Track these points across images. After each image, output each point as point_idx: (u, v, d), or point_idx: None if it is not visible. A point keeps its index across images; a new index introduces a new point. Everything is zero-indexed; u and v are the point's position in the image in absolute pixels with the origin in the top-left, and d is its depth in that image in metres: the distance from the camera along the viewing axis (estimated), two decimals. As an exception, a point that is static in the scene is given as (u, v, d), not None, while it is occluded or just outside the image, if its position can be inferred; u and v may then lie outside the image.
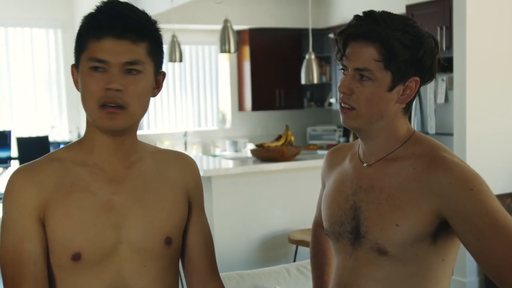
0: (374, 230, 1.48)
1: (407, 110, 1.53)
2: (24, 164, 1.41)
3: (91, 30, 1.31)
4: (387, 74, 1.43)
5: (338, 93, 1.51)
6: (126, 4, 1.35)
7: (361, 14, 1.48)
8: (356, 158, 1.60)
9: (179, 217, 1.47)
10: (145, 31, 1.34)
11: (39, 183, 1.35)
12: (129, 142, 1.42)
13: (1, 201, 1.39)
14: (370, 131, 1.50)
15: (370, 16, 1.45)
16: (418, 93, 1.52)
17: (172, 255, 1.47)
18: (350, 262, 1.56)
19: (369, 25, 1.43)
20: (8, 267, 1.32)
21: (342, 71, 1.51)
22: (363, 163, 1.57)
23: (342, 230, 1.56)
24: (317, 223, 1.87)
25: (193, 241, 1.55)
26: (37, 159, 1.42)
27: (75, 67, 1.37)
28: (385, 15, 1.45)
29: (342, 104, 1.50)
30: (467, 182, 1.38)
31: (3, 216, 1.35)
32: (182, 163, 1.53)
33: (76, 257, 1.33)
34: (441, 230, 1.43)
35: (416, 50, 1.43)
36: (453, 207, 1.38)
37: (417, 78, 1.46)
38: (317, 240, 1.88)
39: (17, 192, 1.34)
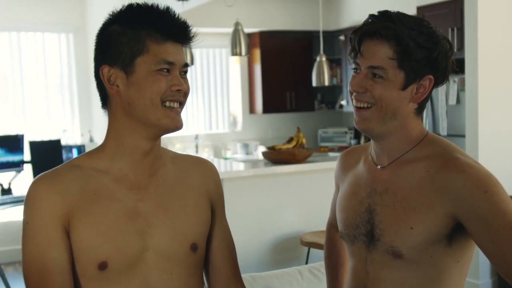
0: (388, 233, 1.48)
1: (420, 111, 1.52)
2: (45, 172, 1.37)
3: (154, 33, 1.31)
4: (400, 73, 1.43)
5: (348, 95, 1.51)
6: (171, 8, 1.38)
7: (376, 13, 1.48)
8: (370, 160, 1.60)
9: (204, 223, 1.48)
10: (191, 36, 1.39)
11: (62, 191, 1.33)
12: (158, 147, 1.43)
13: (23, 210, 1.35)
14: (383, 131, 1.49)
15: (385, 14, 1.46)
16: (431, 93, 1.51)
17: (197, 262, 1.46)
18: (365, 265, 1.55)
19: (384, 22, 1.44)
20: (33, 278, 1.30)
21: (354, 70, 1.50)
22: (377, 165, 1.56)
23: (357, 233, 1.56)
24: (331, 225, 1.87)
25: (217, 247, 1.55)
26: (57, 166, 1.39)
27: (118, 69, 1.33)
28: (400, 14, 1.46)
29: (357, 104, 1.49)
30: (482, 184, 1.37)
31: (25, 226, 1.32)
32: (203, 168, 1.53)
33: (103, 266, 1.31)
34: (456, 232, 1.42)
35: (431, 50, 1.43)
36: (468, 210, 1.37)
37: (431, 77, 1.46)
38: (331, 242, 1.89)
39: (40, 201, 1.31)
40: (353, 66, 1.51)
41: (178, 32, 1.34)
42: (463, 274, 1.51)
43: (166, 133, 1.38)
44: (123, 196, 1.36)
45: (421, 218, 1.43)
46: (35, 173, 5.13)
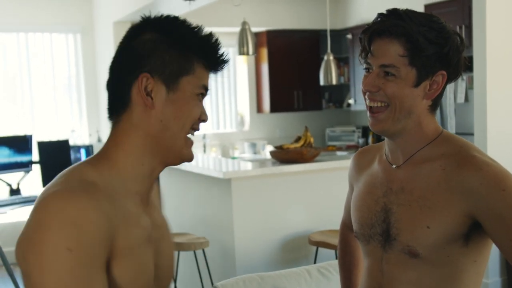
0: (405, 232, 1.47)
1: (435, 108, 1.52)
2: (71, 185, 1.13)
3: (206, 58, 1.27)
4: (412, 70, 1.43)
5: (356, 93, 1.51)
6: None
7: (385, 12, 1.48)
8: (385, 159, 1.59)
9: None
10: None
11: (107, 213, 1.12)
12: None
13: (56, 233, 1.06)
14: (398, 130, 1.49)
15: (394, 12, 1.46)
16: (444, 90, 1.50)
17: None
18: (381, 265, 1.55)
19: (393, 20, 1.43)
20: None
21: (366, 70, 1.50)
22: (392, 165, 1.56)
23: (372, 232, 1.56)
24: (345, 224, 1.86)
25: None
26: (71, 182, 1.14)
27: (160, 81, 1.22)
28: (409, 11, 1.46)
29: (370, 103, 1.49)
30: (499, 183, 1.36)
31: (65, 254, 1.04)
32: (158, 190, 1.48)
33: None
34: (473, 231, 1.41)
35: (442, 45, 1.43)
36: (485, 208, 1.36)
37: (444, 72, 1.46)
38: (345, 242, 1.88)
39: (89, 224, 1.07)
40: (365, 66, 1.50)
41: (221, 67, 1.31)
42: (480, 274, 1.50)
43: (176, 165, 1.31)
44: (145, 223, 1.24)
45: (437, 217, 1.42)
46: (44, 173, 5.15)
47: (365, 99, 1.51)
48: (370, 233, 1.57)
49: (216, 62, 1.29)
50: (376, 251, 1.56)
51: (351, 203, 1.69)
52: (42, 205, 1.10)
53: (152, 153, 1.25)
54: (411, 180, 1.49)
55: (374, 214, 1.56)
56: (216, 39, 1.28)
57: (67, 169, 1.22)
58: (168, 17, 1.28)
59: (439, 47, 1.43)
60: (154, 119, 1.22)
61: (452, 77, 1.49)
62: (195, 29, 1.26)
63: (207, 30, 1.28)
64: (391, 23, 1.44)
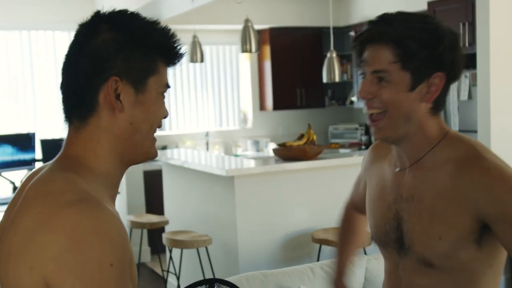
0: (418, 243, 1.47)
1: (437, 110, 1.49)
2: (81, 197, 1.09)
3: (168, 55, 1.24)
4: (405, 74, 1.41)
5: (359, 97, 1.52)
6: None
7: (374, 18, 1.47)
8: (393, 163, 1.59)
9: None
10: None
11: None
12: None
13: (97, 248, 1.03)
14: (400, 136, 1.48)
15: (383, 18, 1.44)
16: (447, 90, 1.48)
17: None
18: (398, 270, 1.56)
19: (380, 27, 1.43)
20: None
21: (362, 77, 1.49)
22: (396, 168, 1.56)
23: (387, 239, 1.57)
24: (353, 203, 1.90)
25: None
26: (76, 194, 1.10)
27: (128, 84, 1.19)
28: (399, 15, 1.44)
29: (368, 110, 1.48)
30: (505, 184, 1.35)
31: (106, 269, 1.03)
32: None
33: None
34: (484, 235, 1.40)
35: (435, 46, 1.40)
36: (493, 211, 1.35)
37: (440, 74, 1.43)
38: (347, 217, 1.92)
39: (125, 238, 1.08)
40: (360, 72, 1.50)
41: (180, 61, 1.28)
42: (497, 277, 1.49)
43: (140, 163, 1.28)
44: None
45: (448, 226, 1.41)
46: (47, 171, 5.15)
47: (364, 106, 1.50)
48: (385, 239, 1.57)
49: (176, 58, 1.26)
50: (393, 257, 1.57)
51: (366, 206, 1.69)
52: (64, 223, 1.04)
53: (121, 156, 1.22)
54: (419, 187, 1.48)
55: (387, 221, 1.55)
56: (174, 33, 1.25)
57: (48, 178, 1.17)
58: (122, 12, 1.24)
59: (432, 49, 1.40)
60: (124, 122, 1.19)
61: (452, 77, 1.46)
62: (154, 26, 1.23)
63: (162, 24, 1.25)
64: (379, 30, 1.43)
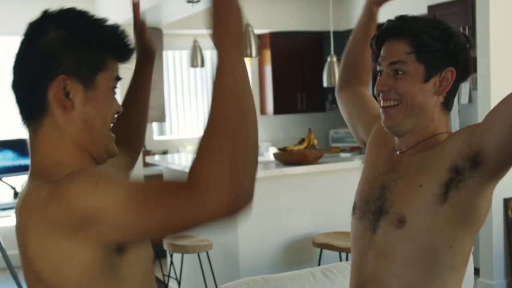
0: (398, 199, 1.54)
1: (447, 105, 1.58)
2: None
3: (117, 51, 1.25)
4: (420, 66, 1.51)
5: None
6: None
7: (392, 18, 1.59)
8: (392, 145, 1.66)
9: None
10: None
11: None
12: None
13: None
14: (410, 127, 1.55)
15: (400, 17, 1.57)
16: (456, 88, 1.58)
17: None
18: (367, 254, 1.60)
19: (399, 22, 1.55)
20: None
21: (379, 74, 1.58)
22: (396, 151, 1.63)
23: (367, 208, 1.62)
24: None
25: None
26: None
27: (77, 81, 1.20)
28: (415, 16, 1.56)
29: (384, 103, 1.56)
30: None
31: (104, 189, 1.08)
32: None
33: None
34: (449, 197, 1.46)
35: (446, 42, 1.52)
36: (467, 141, 1.45)
37: (452, 69, 1.53)
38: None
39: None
40: (377, 69, 1.59)
41: (130, 57, 1.29)
42: (458, 271, 1.53)
43: (104, 163, 1.28)
44: None
45: (430, 174, 1.50)
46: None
47: (379, 101, 1.58)
48: (364, 209, 1.63)
49: (126, 53, 1.27)
50: (365, 234, 1.61)
51: (362, 171, 1.75)
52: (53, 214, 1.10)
53: (83, 157, 1.23)
54: (413, 162, 1.56)
55: (372, 190, 1.63)
56: (122, 30, 1.26)
57: (24, 195, 1.21)
58: (69, 11, 1.25)
59: (443, 44, 1.52)
60: (77, 120, 1.20)
61: (462, 75, 1.57)
62: (101, 23, 1.24)
63: (110, 21, 1.26)
64: (396, 25, 1.55)
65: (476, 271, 3.91)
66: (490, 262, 4.31)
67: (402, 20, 1.55)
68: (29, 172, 1.27)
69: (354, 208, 1.69)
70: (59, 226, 1.09)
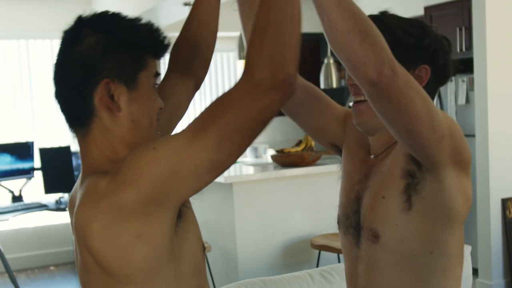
0: (368, 214, 1.48)
1: None
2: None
3: (154, 49, 1.27)
4: None
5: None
6: None
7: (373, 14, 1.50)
8: (367, 148, 1.59)
9: None
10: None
11: None
12: None
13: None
14: (378, 124, 1.45)
15: (380, 12, 1.49)
16: (434, 90, 1.49)
17: None
18: (357, 265, 1.55)
19: (374, 17, 1.45)
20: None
21: None
22: (371, 155, 1.56)
23: (348, 223, 1.56)
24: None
25: None
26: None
27: (121, 83, 1.22)
28: (391, 14, 1.49)
29: (355, 98, 1.50)
30: None
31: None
32: None
33: None
34: (414, 201, 1.40)
35: (422, 38, 1.44)
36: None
37: (426, 66, 1.45)
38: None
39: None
40: None
41: (167, 52, 1.33)
42: (446, 274, 1.47)
43: None
44: None
45: (389, 183, 1.44)
46: (45, 180, 5.16)
47: (351, 97, 1.52)
48: (346, 224, 1.57)
49: (163, 50, 1.29)
50: (352, 248, 1.56)
51: (340, 184, 1.67)
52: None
53: (126, 147, 1.24)
54: (382, 166, 1.49)
55: (349, 203, 1.56)
56: (157, 28, 1.28)
57: (82, 188, 1.21)
58: (103, 14, 1.26)
59: (418, 40, 1.44)
60: (125, 121, 1.23)
61: (439, 77, 1.49)
62: (137, 23, 1.25)
63: (144, 20, 1.27)
64: (372, 18, 1.43)
65: (475, 272, 3.92)
66: (489, 262, 4.31)
67: (379, 15, 1.47)
68: (80, 174, 1.28)
69: (338, 223, 1.63)
70: (127, 210, 1.11)
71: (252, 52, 1.10)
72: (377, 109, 1.28)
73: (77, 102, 1.23)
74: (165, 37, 1.28)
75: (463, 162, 1.40)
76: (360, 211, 1.52)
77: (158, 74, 1.29)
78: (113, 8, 1.35)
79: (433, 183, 1.38)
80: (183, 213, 1.24)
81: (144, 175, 1.09)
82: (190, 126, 1.14)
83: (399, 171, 1.42)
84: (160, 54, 1.29)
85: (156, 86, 1.30)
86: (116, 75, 1.21)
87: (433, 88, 1.49)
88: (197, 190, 1.19)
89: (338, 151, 1.74)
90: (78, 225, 1.19)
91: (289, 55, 1.15)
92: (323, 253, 4.11)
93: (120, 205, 1.11)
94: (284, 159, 4.43)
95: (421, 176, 1.39)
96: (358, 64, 1.21)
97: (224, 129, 1.09)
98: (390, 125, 1.31)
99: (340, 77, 7.40)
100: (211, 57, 1.65)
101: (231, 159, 1.15)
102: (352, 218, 1.54)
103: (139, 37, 1.24)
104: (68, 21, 1.30)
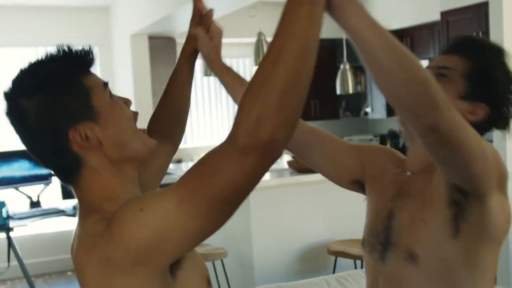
0: (404, 232, 1.46)
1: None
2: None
3: (84, 71, 1.25)
4: (463, 82, 1.43)
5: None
6: None
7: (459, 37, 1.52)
8: (399, 166, 1.58)
9: None
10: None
11: None
12: None
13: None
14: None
15: (469, 37, 1.50)
16: (486, 131, 1.48)
17: None
18: (378, 280, 1.53)
19: (464, 41, 1.46)
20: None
21: None
22: (407, 172, 1.55)
23: (375, 241, 1.55)
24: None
25: None
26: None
27: (86, 122, 1.20)
28: (485, 40, 1.48)
29: None
30: None
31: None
32: None
33: None
34: (460, 227, 1.39)
35: (507, 85, 1.43)
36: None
37: (487, 108, 1.43)
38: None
39: None
40: None
41: (93, 59, 1.27)
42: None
43: (148, 158, 1.31)
44: None
45: (432, 209, 1.42)
46: (63, 186, 5.18)
47: None
48: (374, 241, 1.55)
49: (87, 60, 1.25)
50: (376, 265, 1.54)
51: (367, 205, 1.66)
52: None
53: (128, 178, 1.26)
54: (419, 184, 1.48)
55: (380, 220, 1.55)
56: (68, 47, 1.24)
57: (78, 236, 1.21)
58: (23, 74, 1.24)
59: (506, 84, 1.43)
60: (110, 148, 1.22)
61: (495, 123, 1.49)
62: (50, 62, 1.23)
63: (62, 46, 1.25)
64: (460, 42, 1.48)
65: (493, 278, 3.87)
66: (507, 269, 4.27)
67: (468, 40, 1.48)
68: (78, 214, 1.27)
69: (363, 244, 1.62)
70: (115, 265, 1.10)
71: (240, 111, 1.09)
72: (433, 153, 1.27)
73: (63, 161, 1.23)
74: (78, 49, 1.25)
75: (504, 184, 1.41)
76: (391, 228, 1.50)
77: (106, 84, 1.26)
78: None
79: (479, 209, 1.37)
80: (180, 262, 1.20)
81: (131, 238, 1.08)
82: (178, 186, 1.09)
83: (444, 201, 1.40)
84: (88, 65, 1.26)
85: (111, 96, 1.27)
86: (75, 119, 1.20)
87: (486, 128, 1.49)
88: (186, 252, 1.17)
89: (360, 188, 1.72)
90: (75, 266, 1.20)
91: (282, 117, 1.07)
92: (339, 259, 4.09)
93: (108, 259, 1.10)
94: (300, 165, 4.43)
95: (467, 203, 1.37)
96: (419, 112, 1.18)
97: (212, 199, 1.07)
98: (444, 165, 1.30)
99: (356, 83, 7.39)
100: (186, 123, 1.68)
101: (219, 226, 1.13)
102: (382, 235, 1.53)
103: (61, 73, 1.21)
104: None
